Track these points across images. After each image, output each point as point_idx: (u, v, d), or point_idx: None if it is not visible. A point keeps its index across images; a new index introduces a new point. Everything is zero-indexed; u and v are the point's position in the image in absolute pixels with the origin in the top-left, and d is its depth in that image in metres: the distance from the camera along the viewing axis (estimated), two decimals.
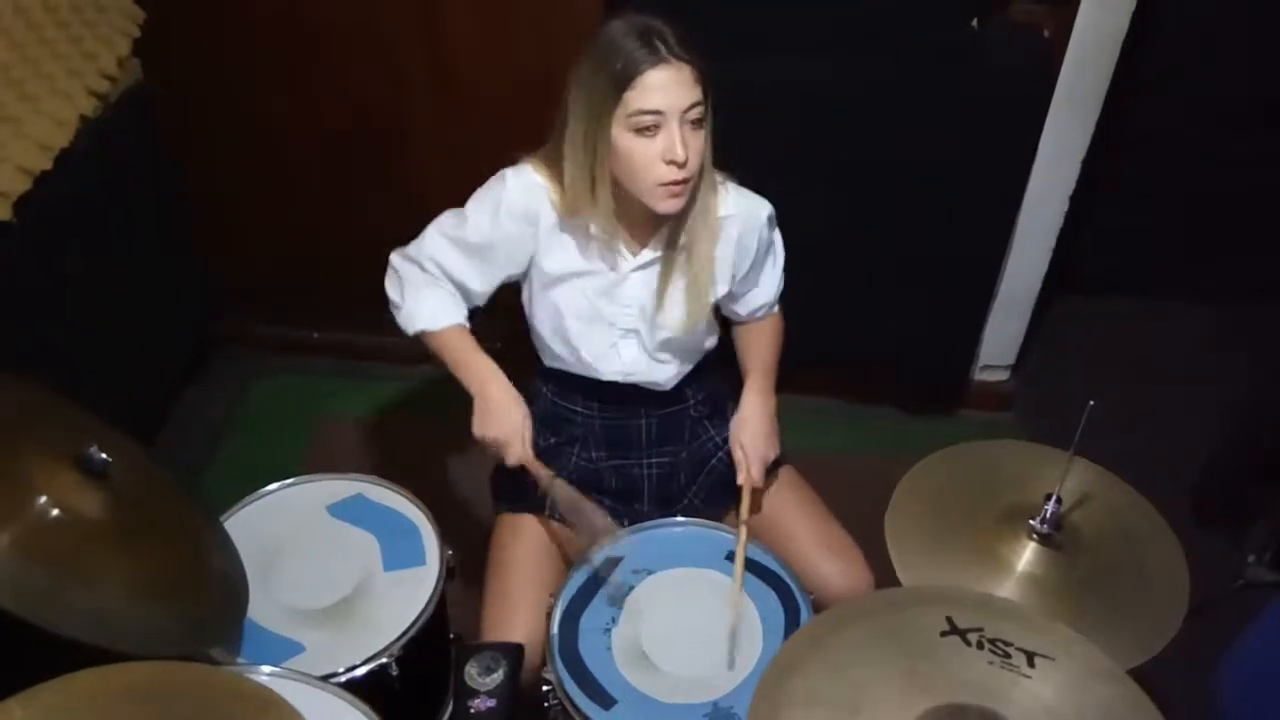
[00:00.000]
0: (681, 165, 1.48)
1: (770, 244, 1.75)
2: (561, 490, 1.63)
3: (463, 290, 1.70)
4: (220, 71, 2.41)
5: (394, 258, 1.73)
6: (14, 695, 1.08)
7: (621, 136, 1.49)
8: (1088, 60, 2.22)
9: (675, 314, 1.66)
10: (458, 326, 1.69)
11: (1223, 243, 2.91)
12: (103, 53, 2.12)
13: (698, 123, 1.49)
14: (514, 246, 1.65)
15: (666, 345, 1.71)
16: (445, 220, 1.69)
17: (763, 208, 1.70)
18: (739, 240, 1.68)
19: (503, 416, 1.63)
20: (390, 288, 1.73)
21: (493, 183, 1.65)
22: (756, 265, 1.74)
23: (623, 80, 1.45)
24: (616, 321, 1.68)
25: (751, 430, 1.73)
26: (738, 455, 1.73)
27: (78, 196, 2.04)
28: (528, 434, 1.64)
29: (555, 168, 1.60)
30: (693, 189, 1.56)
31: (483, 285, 1.69)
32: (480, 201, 1.65)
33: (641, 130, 1.47)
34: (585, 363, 1.72)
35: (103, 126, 2.09)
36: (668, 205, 1.53)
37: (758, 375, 1.80)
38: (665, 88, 1.45)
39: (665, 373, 1.75)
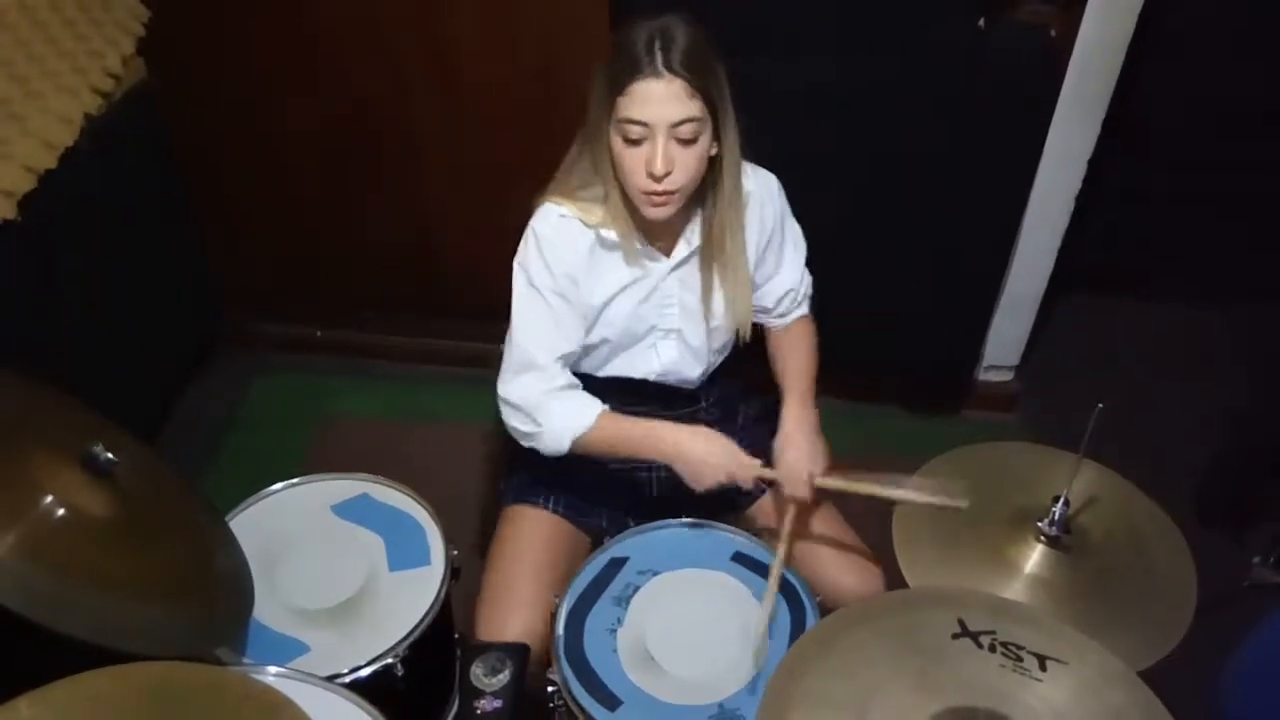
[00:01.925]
0: (660, 179, 1.47)
1: (785, 215, 1.74)
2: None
3: (566, 360, 1.63)
4: (224, 70, 2.41)
5: (501, 391, 1.63)
6: (21, 695, 1.07)
7: (614, 139, 1.49)
8: (1094, 60, 2.22)
9: (723, 300, 1.66)
10: (602, 414, 1.61)
11: (1229, 243, 2.90)
12: (108, 51, 2.11)
13: (689, 140, 1.47)
14: (577, 286, 1.60)
15: (716, 336, 1.70)
16: (512, 325, 1.61)
17: (771, 177, 1.71)
18: (760, 212, 1.68)
19: (710, 462, 1.58)
20: (518, 422, 1.63)
21: (526, 240, 1.60)
22: (775, 241, 1.73)
23: (617, 86, 1.44)
24: (659, 324, 1.68)
25: (795, 449, 1.66)
26: (782, 475, 1.66)
27: (82, 194, 2.04)
28: (740, 456, 1.59)
29: (580, 182, 1.58)
30: (722, 187, 1.56)
31: (574, 338, 1.63)
32: (526, 265, 1.59)
33: (629, 138, 1.47)
34: (622, 368, 1.71)
35: (107, 125, 2.09)
36: (652, 213, 1.53)
37: (796, 390, 1.74)
38: (653, 101, 1.43)
39: (698, 369, 1.74)
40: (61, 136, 1.93)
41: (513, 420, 1.64)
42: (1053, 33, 2.18)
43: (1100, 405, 1.28)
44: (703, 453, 1.58)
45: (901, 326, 2.57)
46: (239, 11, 2.31)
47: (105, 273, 2.18)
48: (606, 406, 1.63)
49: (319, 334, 2.85)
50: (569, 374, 1.64)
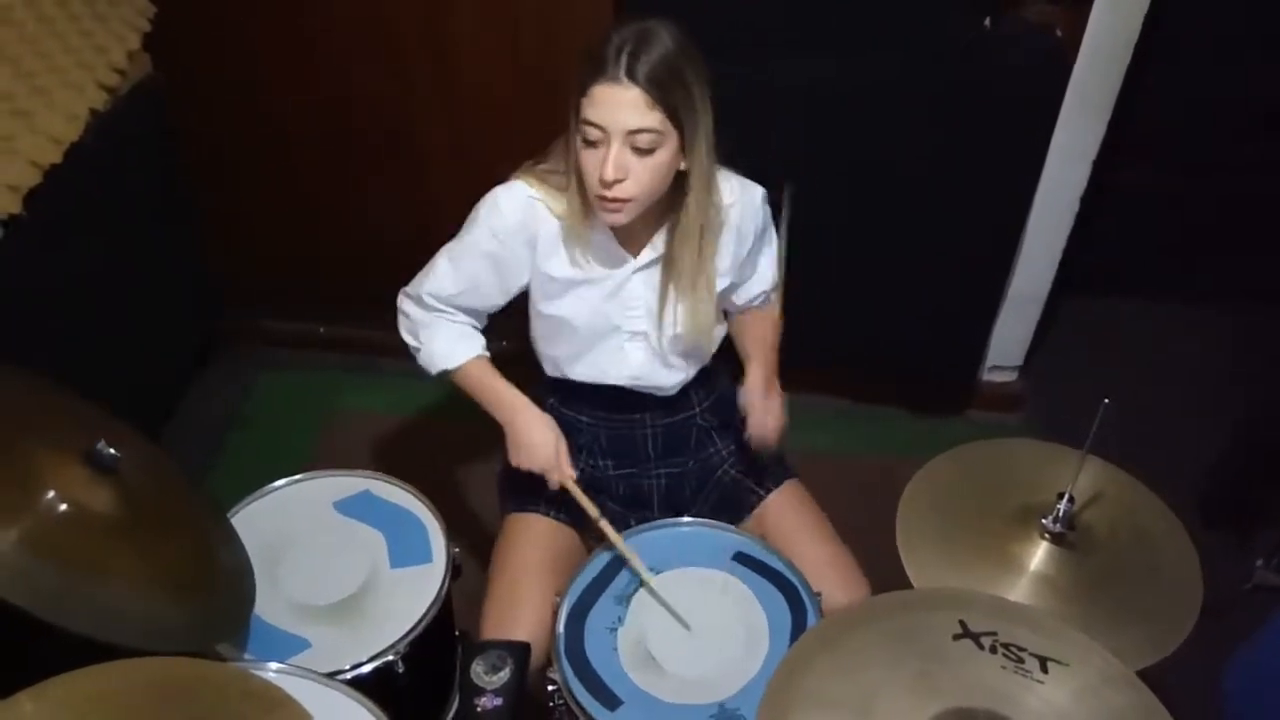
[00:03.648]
0: (609, 184, 1.46)
1: (765, 227, 1.74)
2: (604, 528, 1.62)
3: (470, 313, 1.70)
4: (228, 67, 2.41)
5: (400, 300, 1.71)
6: (24, 690, 1.08)
7: (576, 140, 1.49)
8: (1100, 61, 2.21)
9: (682, 310, 1.64)
10: (477, 358, 1.68)
11: (1233, 244, 2.90)
12: (113, 47, 2.12)
13: (645, 150, 1.45)
14: (513, 264, 1.63)
15: (676, 343, 1.69)
16: (442, 254, 1.67)
17: (756, 191, 1.69)
18: (738, 227, 1.67)
19: (538, 444, 1.63)
20: (404, 333, 1.71)
21: (484, 204, 1.63)
22: (754, 250, 1.73)
23: (581, 87, 1.45)
24: (624, 325, 1.67)
25: (759, 400, 1.71)
26: (750, 412, 1.71)
27: (87, 190, 2.04)
28: (564, 457, 1.63)
29: (553, 169, 1.59)
30: (693, 192, 1.55)
31: (485, 304, 1.69)
32: (475, 225, 1.63)
33: (587, 140, 1.46)
34: (592, 370, 1.71)
35: (112, 120, 2.09)
36: (607, 219, 1.53)
37: (758, 356, 1.77)
38: (609, 106, 1.43)
39: (672, 376, 1.73)
40: (67, 132, 1.94)
41: (402, 329, 1.72)
42: (1059, 33, 2.18)
43: (1106, 400, 1.28)
44: (530, 440, 1.63)
45: (905, 326, 2.56)
46: (243, 8, 2.31)
47: (110, 268, 2.18)
48: (484, 353, 1.69)
49: (322, 330, 2.85)
50: (465, 316, 1.69)
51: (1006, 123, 2.24)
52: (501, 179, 1.63)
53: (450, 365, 1.67)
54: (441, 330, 1.68)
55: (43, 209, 1.85)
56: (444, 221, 2.28)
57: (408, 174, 2.53)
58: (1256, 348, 2.78)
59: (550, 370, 1.76)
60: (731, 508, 1.79)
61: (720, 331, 1.78)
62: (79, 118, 1.98)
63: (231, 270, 2.69)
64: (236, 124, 2.50)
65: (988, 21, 2.12)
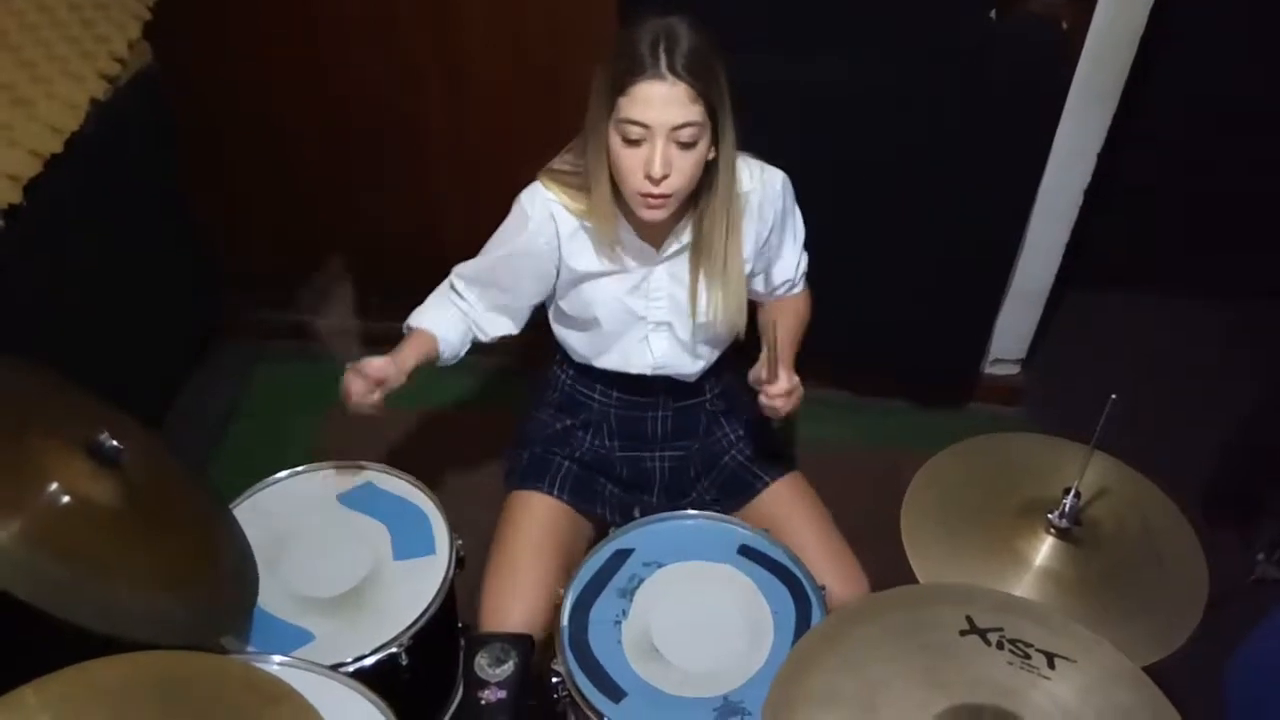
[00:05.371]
0: (657, 181, 1.47)
1: (787, 213, 1.73)
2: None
3: (504, 309, 1.74)
4: (230, 58, 2.40)
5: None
6: (27, 683, 1.07)
7: (612, 139, 1.49)
8: (1106, 54, 2.20)
9: (710, 301, 1.65)
10: (422, 332, 1.73)
11: (1237, 239, 2.90)
12: (114, 36, 2.11)
13: (688, 144, 1.47)
14: (537, 264, 1.66)
15: (703, 332, 1.70)
16: (489, 242, 1.72)
17: (777, 175, 1.69)
18: (759, 211, 1.67)
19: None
20: None
21: (513, 209, 1.66)
22: (775, 235, 1.73)
23: (619, 85, 1.44)
24: (648, 315, 1.69)
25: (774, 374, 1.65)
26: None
27: (87, 180, 2.03)
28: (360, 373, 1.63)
29: (571, 169, 1.60)
30: (714, 184, 1.56)
31: (517, 301, 1.72)
32: (503, 229, 1.68)
33: (628, 139, 1.47)
34: (617, 360, 1.73)
35: (112, 110, 2.08)
36: (647, 215, 1.53)
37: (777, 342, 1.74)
38: (654, 103, 1.43)
39: (696, 364, 1.75)
40: (68, 122, 1.93)
41: None
42: (1064, 25, 2.17)
43: (1113, 396, 1.28)
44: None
45: (908, 319, 2.56)
46: None
47: (110, 258, 2.17)
48: (431, 332, 1.73)
49: (321, 322, 2.84)
50: (464, 294, 1.76)
51: (1011, 116, 2.23)
52: (510, 177, 1.64)
53: (411, 323, 1.75)
54: (432, 302, 1.77)
55: (43, 199, 1.84)
56: (446, 215, 2.28)
57: (409, 167, 2.53)
58: (1258, 342, 2.78)
59: (576, 359, 1.79)
60: (733, 494, 1.79)
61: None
62: (79, 107, 1.97)
63: (233, 261, 2.69)
64: (238, 115, 2.49)
65: (993, 14, 2.12)
